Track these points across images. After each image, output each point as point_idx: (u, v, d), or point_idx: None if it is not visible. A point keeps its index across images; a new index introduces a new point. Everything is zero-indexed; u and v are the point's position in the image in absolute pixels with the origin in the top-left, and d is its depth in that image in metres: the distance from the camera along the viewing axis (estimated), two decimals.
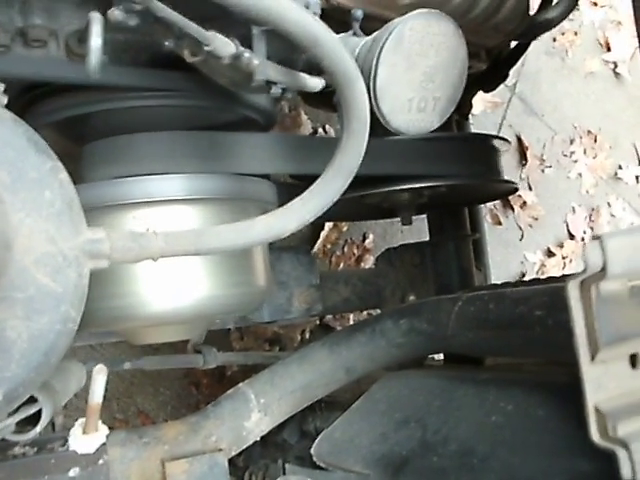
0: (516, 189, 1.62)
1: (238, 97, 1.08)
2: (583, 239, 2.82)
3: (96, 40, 0.79)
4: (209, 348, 1.55)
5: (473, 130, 2.56)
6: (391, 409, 1.30)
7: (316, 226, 2.34)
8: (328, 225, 2.37)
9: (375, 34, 0.91)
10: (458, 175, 1.45)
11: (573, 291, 0.62)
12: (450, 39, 0.92)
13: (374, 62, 0.86)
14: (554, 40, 2.90)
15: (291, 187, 1.33)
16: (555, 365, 1.17)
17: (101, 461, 0.87)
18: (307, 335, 2.32)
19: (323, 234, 2.37)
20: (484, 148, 1.57)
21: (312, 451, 1.33)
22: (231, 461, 1.72)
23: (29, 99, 1.12)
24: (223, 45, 0.78)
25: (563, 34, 2.92)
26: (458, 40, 0.94)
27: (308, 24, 0.76)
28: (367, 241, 2.46)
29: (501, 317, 1.13)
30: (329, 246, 2.40)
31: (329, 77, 0.83)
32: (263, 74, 0.82)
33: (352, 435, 1.31)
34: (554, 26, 1.41)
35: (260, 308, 1.47)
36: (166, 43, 0.83)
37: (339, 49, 0.79)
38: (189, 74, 1.02)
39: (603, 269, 0.60)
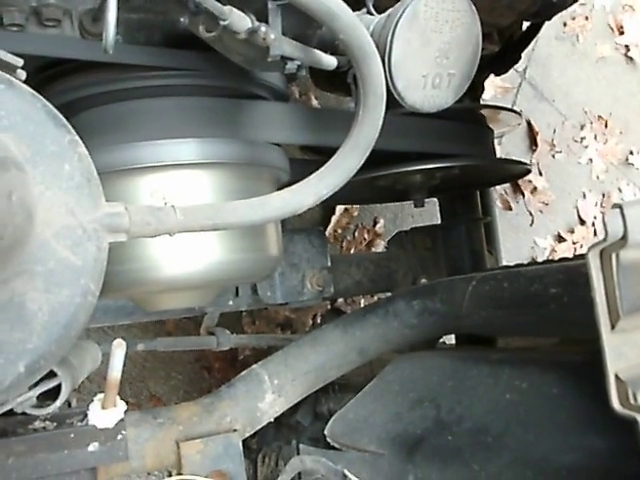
0: (529, 170, 1.61)
1: (251, 76, 1.08)
2: (594, 224, 2.81)
3: (112, 15, 0.79)
4: (222, 330, 1.56)
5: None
6: (405, 389, 1.30)
7: (327, 210, 2.34)
8: (339, 210, 2.37)
9: (390, 10, 0.90)
10: (470, 155, 1.44)
11: (594, 260, 0.62)
12: (464, 15, 0.92)
13: (389, 38, 0.86)
14: (565, 25, 2.88)
15: (304, 163, 1.32)
16: (570, 344, 1.17)
17: (119, 436, 0.88)
18: (318, 319, 2.32)
19: (334, 219, 2.37)
20: (484, 128, 1.56)
21: (326, 432, 1.33)
22: (245, 443, 1.74)
23: (43, 79, 1.13)
24: (239, 19, 0.78)
25: (574, 19, 2.90)
26: (472, 16, 0.93)
27: None
28: (378, 226, 2.45)
29: (515, 295, 1.13)
30: (340, 231, 2.40)
31: (345, 51, 0.83)
32: (279, 49, 0.82)
33: (366, 415, 1.31)
34: (569, 5, 1.40)
35: (272, 289, 1.47)
36: (181, 20, 0.83)
37: (356, 23, 0.79)
38: (202, 53, 1.03)
39: (624, 237, 0.60)
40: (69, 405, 1.17)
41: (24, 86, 0.74)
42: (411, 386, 1.30)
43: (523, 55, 2.65)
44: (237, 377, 1.30)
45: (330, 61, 0.90)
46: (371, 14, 0.99)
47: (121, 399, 2.01)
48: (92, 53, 1.00)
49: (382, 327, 1.36)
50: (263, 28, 0.80)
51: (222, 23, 0.78)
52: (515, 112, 1.55)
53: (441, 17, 0.90)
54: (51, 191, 0.72)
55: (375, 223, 2.45)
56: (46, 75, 1.12)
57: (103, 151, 1.03)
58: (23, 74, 0.76)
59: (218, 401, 1.25)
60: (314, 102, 2.34)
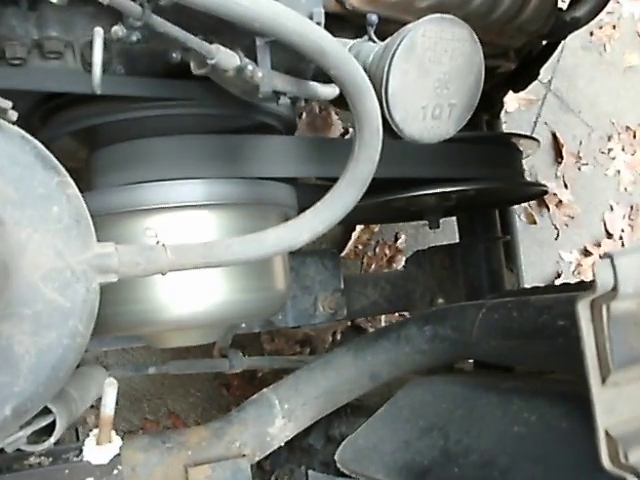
0: (545, 192, 1.58)
1: (254, 104, 1.07)
2: (621, 238, 2.75)
3: (98, 56, 0.78)
4: (235, 352, 1.55)
5: (506, 129, 2.53)
6: (415, 416, 1.28)
7: (347, 227, 2.33)
8: (359, 226, 2.35)
9: (387, 40, 0.89)
10: (485, 178, 1.42)
11: (583, 311, 0.60)
12: (465, 44, 0.90)
13: (385, 69, 0.85)
14: (591, 34, 2.83)
15: (319, 188, 1.32)
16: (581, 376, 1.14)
17: (115, 471, 0.88)
18: (338, 336, 2.31)
19: (354, 235, 2.36)
20: (512, 150, 1.54)
21: (336, 457, 1.32)
22: (259, 464, 1.73)
23: (49, 108, 1.14)
24: (227, 58, 0.77)
25: (601, 28, 2.85)
26: (473, 45, 0.91)
27: (312, 35, 0.75)
28: (399, 242, 2.43)
29: (524, 326, 1.10)
30: (361, 247, 2.38)
31: (338, 86, 0.82)
32: (268, 85, 0.81)
33: (375, 442, 1.30)
34: (582, 25, 1.37)
35: (283, 312, 1.47)
36: (174, 55, 0.82)
37: (347, 59, 0.78)
38: (204, 82, 1.02)
39: (614, 288, 0.58)
40: (77, 431, 1.17)
41: (14, 128, 0.74)
42: (421, 413, 1.28)
43: (548, 66, 2.62)
44: (247, 401, 1.30)
45: (327, 92, 0.89)
46: (373, 41, 0.98)
47: (139, 416, 2.02)
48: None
49: (394, 352, 1.34)
50: (250, 66, 0.79)
51: (209, 62, 0.77)
52: (533, 139, 1.52)
53: (440, 47, 0.88)
54: (39, 234, 0.72)
55: (396, 239, 2.43)
56: (52, 105, 1.13)
57: (109, 192, 1.05)
58: (14, 115, 0.77)
59: (228, 426, 1.25)
60: (334, 117, 2.33)
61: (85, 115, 1.10)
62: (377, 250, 2.40)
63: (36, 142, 0.75)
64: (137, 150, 1.10)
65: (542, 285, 1.59)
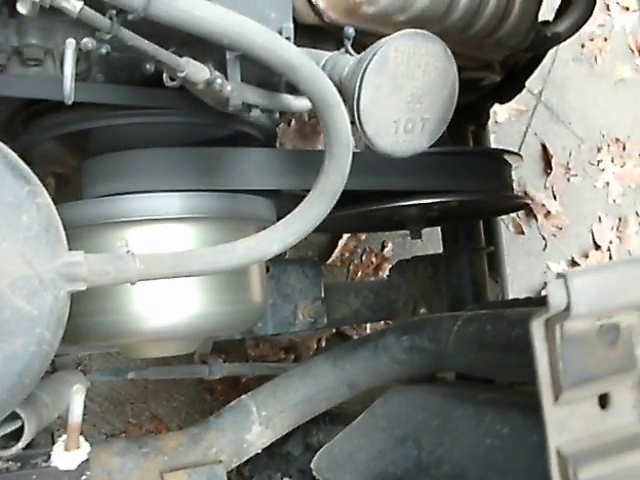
0: (526, 204, 1.59)
1: (234, 115, 1.08)
2: (609, 249, 2.76)
3: (69, 67, 0.79)
4: (215, 359, 1.56)
5: (496, 139, 2.54)
6: (391, 425, 1.29)
7: (333, 235, 2.33)
8: (346, 234, 2.36)
9: (361, 54, 0.90)
10: (467, 191, 1.43)
11: (537, 330, 0.60)
12: (438, 59, 0.91)
13: (357, 84, 0.85)
14: (582, 46, 2.84)
15: (301, 199, 1.33)
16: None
17: (83, 477, 0.88)
18: (323, 343, 2.31)
19: (341, 242, 2.37)
20: (498, 162, 1.55)
21: (312, 465, 1.33)
22: (238, 470, 1.74)
23: (31, 113, 1.14)
24: (196, 71, 0.78)
25: (592, 40, 2.87)
26: (447, 60, 0.92)
27: (281, 50, 0.75)
28: (386, 250, 2.44)
29: (497, 339, 1.11)
30: (347, 254, 2.39)
31: (309, 100, 0.82)
32: (238, 98, 0.82)
33: (351, 451, 1.31)
34: (563, 40, 1.38)
35: (263, 320, 1.47)
36: (147, 66, 0.83)
37: (316, 74, 0.79)
38: (182, 92, 1.03)
39: (567, 308, 0.58)
40: (52, 436, 1.18)
41: None
42: (397, 423, 1.29)
43: (539, 77, 2.64)
44: (226, 407, 1.31)
45: (300, 104, 0.90)
46: (350, 54, 0.98)
47: (122, 419, 2.03)
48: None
49: (372, 361, 1.35)
50: (219, 80, 0.80)
51: (179, 74, 0.78)
52: (516, 154, 1.54)
53: (413, 62, 0.89)
54: (8, 242, 0.73)
55: (383, 247, 2.43)
56: (33, 110, 1.13)
57: (87, 203, 1.06)
58: None
59: (205, 431, 1.26)
60: None
61: (65, 121, 1.11)
62: (364, 258, 2.41)
63: (7, 150, 0.76)
64: (118, 162, 1.11)
65: (523, 297, 1.60)
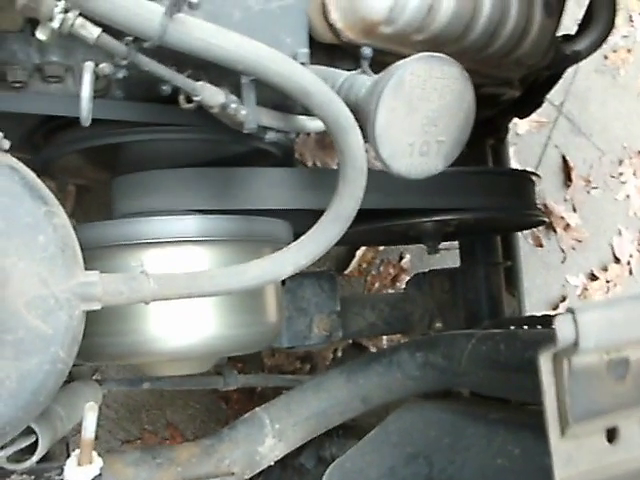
0: (544, 221, 1.58)
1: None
2: (629, 263, 2.73)
3: (86, 90, 0.80)
4: (230, 369, 1.57)
5: (516, 151, 2.53)
6: (403, 442, 1.29)
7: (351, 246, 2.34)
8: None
9: (377, 77, 0.90)
10: (483, 208, 1.42)
11: (545, 363, 0.60)
12: (455, 82, 0.91)
13: (373, 107, 0.86)
14: (605, 58, 2.82)
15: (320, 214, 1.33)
16: None
17: None
18: (339, 354, 2.31)
19: (359, 253, 2.37)
20: (520, 179, 1.55)
21: (324, 479, 1.33)
22: None
23: (52, 128, 1.16)
24: (212, 95, 0.79)
25: (615, 51, 2.85)
26: (464, 83, 0.92)
27: (296, 75, 0.76)
28: (403, 261, 2.44)
29: (510, 359, 1.11)
30: (365, 265, 2.39)
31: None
32: (253, 122, 0.83)
33: (363, 466, 1.31)
34: (583, 58, 1.37)
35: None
36: (164, 88, 0.84)
37: (330, 99, 0.79)
38: (201, 109, 1.04)
39: (575, 343, 0.58)
40: (67, 447, 1.19)
41: (3, 159, 0.76)
42: (409, 439, 1.28)
43: (561, 88, 2.62)
44: (239, 419, 1.32)
45: (316, 126, 0.90)
46: (367, 74, 0.99)
47: (138, 426, 2.04)
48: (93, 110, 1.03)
49: (385, 377, 1.36)
50: (234, 105, 0.81)
51: (195, 98, 0.79)
52: (533, 173, 1.53)
53: (429, 85, 0.89)
54: (24, 262, 0.74)
55: (401, 258, 2.43)
56: (55, 124, 1.15)
57: (104, 225, 1.07)
58: (6, 144, 0.79)
59: (218, 443, 1.27)
60: None
61: (84, 137, 1.12)
62: (381, 269, 2.41)
63: (25, 171, 0.77)
64: (143, 181, 1.13)
65: (539, 315, 1.59)
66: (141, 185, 1.14)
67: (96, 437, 1.94)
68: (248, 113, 0.82)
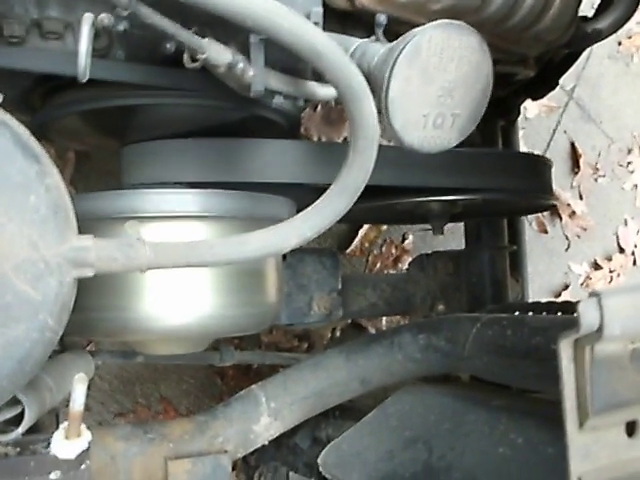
0: (553, 205, 1.54)
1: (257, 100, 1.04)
2: (634, 253, 2.70)
3: (84, 43, 0.76)
4: (227, 345, 1.54)
5: (525, 135, 2.49)
6: (402, 426, 1.26)
7: (354, 224, 2.30)
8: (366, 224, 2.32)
9: (392, 44, 0.86)
10: (491, 189, 1.38)
11: (565, 350, 0.57)
12: (473, 53, 0.86)
13: (387, 75, 0.81)
14: (619, 44, 2.76)
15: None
16: None
17: (83, 466, 0.86)
18: (337, 333, 2.28)
19: (361, 232, 2.33)
20: (534, 162, 1.51)
21: (319, 461, 1.31)
22: (245, 459, 1.72)
23: (50, 88, 1.11)
24: (219, 53, 0.75)
25: (630, 37, 2.79)
26: (482, 55, 0.88)
27: (308, 35, 0.72)
28: (406, 242, 2.40)
29: (517, 345, 1.08)
30: (367, 245, 2.35)
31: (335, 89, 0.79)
32: (260, 84, 0.78)
33: (360, 449, 1.28)
34: (604, 37, 1.33)
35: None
36: (167, 46, 0.80)
37: (343, 62, 0.75)
38: (204, 73, 1.00)
39: (600, 330, 0.55)
40: (57, 417, 1.15)
41: None
42: (408, 423, 1.26)
43: (572, 73, 2.56)
44: (234, 396, 1.29)
45: (327, 93, 0.86)
46: (381, 42, 0.94)
47: (131, 399, 2.01)
48: (92, 71, 0.98)
49: (386, 358, 1.32)
50: (241, 64, 0.76)
51: (200, 56, 0.75)
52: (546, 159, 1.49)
53: (446, 54, 0.85)
54: (13, 223, 0.70)
55: (404, 239, 2.39)
56: (53, 84, 1.11)
57: (103, 196, 1.02)
58: None
59: (212, 420, 1.24)
60: None
61: (83, 99, 1.08)
62: (384, 249, 2.37)
63: (18, 128, 0.73)
64: (150, 151, 1.10)
65: (545, 301, 1.56)
66: (149, 155, 1.10)
67: (88, 409, 1.92)
68: (256, 74, 0.77)
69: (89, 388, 1.99)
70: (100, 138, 1.30)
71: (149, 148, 1.11)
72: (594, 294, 0.55)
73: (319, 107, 2.25)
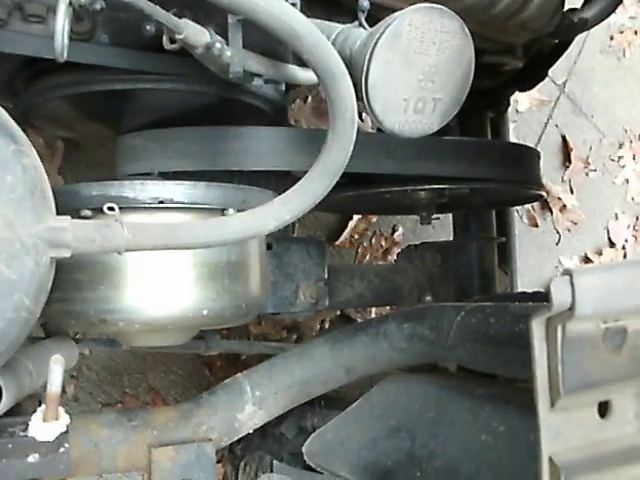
0: (541, 196, 1.54)
1: (240, 84, 1.04)
2: (624, 248, 2.70)
3: (60, 21, 0.75)
4: (211, 334, 1.53)
5: (516, 128, 2.49)
6: (386, 414, 1.26)
7: (343, 216, 2.29)
8: (356, 215, 2.32)
9: (373, 29, 0.85)
10: (482, 179, 1.38)
11: (537, 329, 0.56)
12: (454, 37, 0.86)
13: (367, 58, 0.81)
14: (611, 39, 2.77)
15: None
16: None
17: (62, 449, 0.85)
18: (327, 325, 2.28)
19: (351, 224, 2.32)
20: (523, 152, 1.50)
21: (304, 449, 1.31)
22: (230, 448, 1.72)
23: (33, 72, 1.11)
24: (196, 33, 0.74)
25: (622, 32, 2.79)
26: (464, 39, 0.87)
27: (284, 15, 0.71)
28: (396, 234, 2.40)
29: (500, 333, 1.07)
30: (357, 236, 2.35)
31: (313, 71, 0.78)
32: (238, 65, 0.78)
33: (344, 438, 1.28)
34: (590, 27, 1.32)
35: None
36: (147, 27, 0.79)
37: (320, 42, 0.74)
38: (189, 58, 0.99)
39: (571, 308, 0.54)
40: (40, 403, 1.15)
41: None
42: (392, 412, 1.26)
43: (564, 67, 2.57)
44: (219, 385, 1.28)
45: (307, 77, 0.85)
46: (364, 28, 0.94)
47: (119, 389, 2.00)
48: (75, 54, 0.97)
49: (371, 347, 1.32)
50: (218, 44, 0.76)
51: (178, 37, 0.74)
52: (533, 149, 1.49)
53: (427, 38, 0.84)
54: None
55: (394, 231, 2.39)
56: (36, 69, 1.10)
57: (88, 187, 1.00)
58: None
59: (196, 408, 1.23)
60: None
61: (66, 83, 1.07)
62: (373, 241, 2.37)
63: None
64: (128, 143, 1.11)
65: (531, 291, 1.56)
66: (142, 146, 1.11)
67: (76, 399, 1.91)
68: (233, 54, 0.77)
69: (77, 378, 1.99)
70: (87, 124, 1.30)
71: (143, 138, 1.11)
72: (566, 272, 0.54)
73: (309, 99, 2.25)
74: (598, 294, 0.55)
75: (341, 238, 2.31)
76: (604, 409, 0.61)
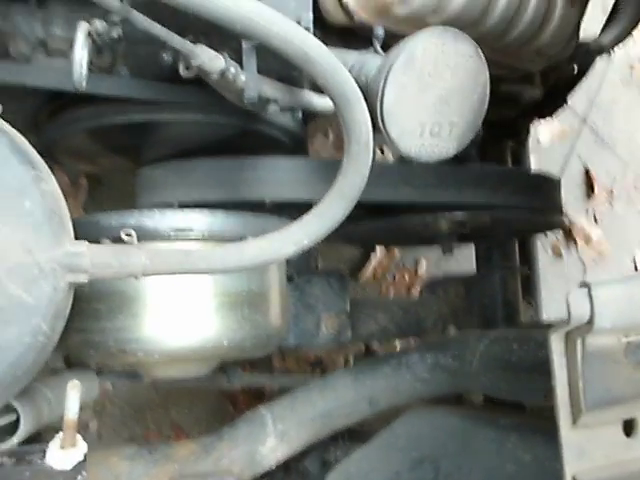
0: (562, 223, 1.53)
1: (258, 115, 1.05)
2: None
3: (79, 51, 0.77)
4: (234, 368, 1.52)
5: (538, 160, 2.48)
6: (409, 446, 1.25)
7: (366, 249, 2.29)
8: (380, 249, 2.31)
9: (388, 53, 0.86)
10: (499, 206, 1.37)
11: (556, 344, 0.55)
12: (469, 61, 0.86)
13: (382, 82, 0.81)
14: (632, 69, 2.76)
15: None
16: None
17: (79, 477, 0.85)
18: (351, 360, 2.26)
19: (376, 259, 2.32)
20: (545, 181, 1.50)
21: None
22: None
23: (56, 106, 1.13)
24: (211, 59, 0.75)
25: None
26: (478, 62, 0.87)
27: (297, 40, 0.72)
28: (419, 268, 2.38)
29: (523, 360, 1.06)
30: (380, 271, 2.34)
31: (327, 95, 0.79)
32: (253, 90, 0.79)
33: (367, 470, 1.26)
34: (606, 52, 1.32)
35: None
36: (164, 56, 0.81)
37: (334, 67, 0.75)
38: (208, 89, 1.01)
39: (590, 321, 0.53)
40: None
41: None
42: (416, 444, 1.24)
43: (585, 98, 2.56)
44: (241, 417, 1.28)
45: (324, 103, 0.86)
46: (379, 55, 0.95)
47: (142, 425, 2.00)
48: (96, 86, 0.99)
49: (394, 378, 1.31)
50: (233, 69, 0.77)
51: (192, 63, 0.75)
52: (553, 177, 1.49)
53: (441, 62, 0.85)
54: (8, 227, 0.71)
55: (417, 266, 2.38)
56: (59, 103, 1.12)
57: (106, 216, 1.02)
58: None
59: (218, 441, 1.23)
60: None
61: (88, 115, 1.09)
62: (396, 276, 2.35)
63: (14, 134, 0.74)
64: (147, 174, 1.12)
65: (556, 321, 1.53)
66: (161, 177, 1.12)
67: (99, 436, 1.91)
68: (248, 79, 0.78)
69: (100, 414, 1.98)
70: (108, 157, 1.32)
71: (163, 169, 1.13)
72: (584, 284, 0.53)
73: (330, 134, 2.26)
74: (618, 307, 0.54)
75: (366, 273, 2.30)
76: (629, 427, 0.59)
